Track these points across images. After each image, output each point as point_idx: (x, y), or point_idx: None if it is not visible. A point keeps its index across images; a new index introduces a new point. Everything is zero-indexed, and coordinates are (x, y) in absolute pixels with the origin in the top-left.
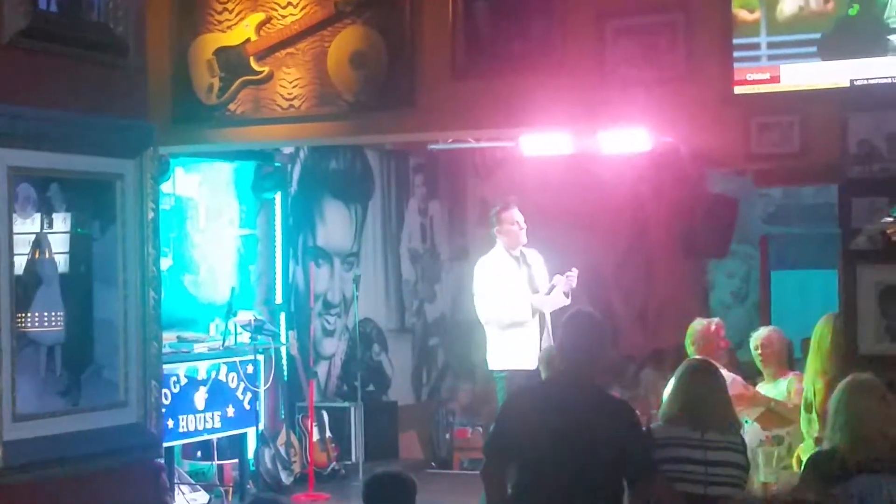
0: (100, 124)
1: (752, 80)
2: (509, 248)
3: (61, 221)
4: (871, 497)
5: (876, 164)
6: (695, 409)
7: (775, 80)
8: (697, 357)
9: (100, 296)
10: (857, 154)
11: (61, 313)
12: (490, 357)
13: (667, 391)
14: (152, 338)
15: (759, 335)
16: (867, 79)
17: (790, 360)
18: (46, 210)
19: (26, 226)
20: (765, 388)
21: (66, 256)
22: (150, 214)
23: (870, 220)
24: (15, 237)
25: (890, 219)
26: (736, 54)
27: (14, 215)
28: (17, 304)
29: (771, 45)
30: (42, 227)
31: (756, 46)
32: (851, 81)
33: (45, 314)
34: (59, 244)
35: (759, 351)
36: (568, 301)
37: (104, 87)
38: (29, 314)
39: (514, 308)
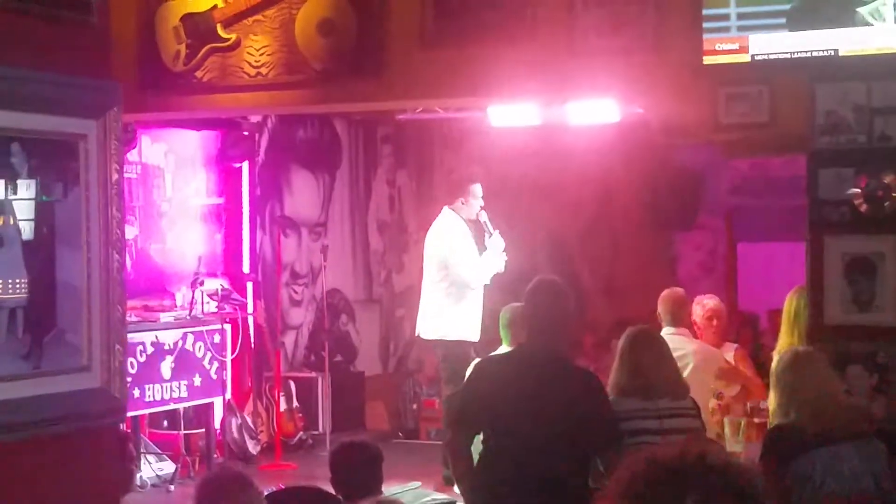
0: (63, 83)
1: (721, 50)
2: (467, 218)
3: (25, 185)
4: (832, 467)
5: (843, 135)
6: (644, 379)
7: (744, 50)
8: (638, 326)
9: (63, 259)
10: (825, 125)
11: (24, 277)
12: (427, 324)
13: (614, 364)
14: (116, 302)
15: (708, 305)
16: (835, 49)
17: (754, 332)
18: (8, 172)
19: None
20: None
21: (29, 220)
22: (115, 176)
23: (837, 191)
24: None
25: (856, 190)
26: (705, 25)
27: None
28: None
29: (740, 17)
30: (6, 192)
31: (725, 17)
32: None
33: (8, 278)
34: (22, 208)
35: (713, 321)
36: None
37: (67, 46)
38: None
39: (486, 270)
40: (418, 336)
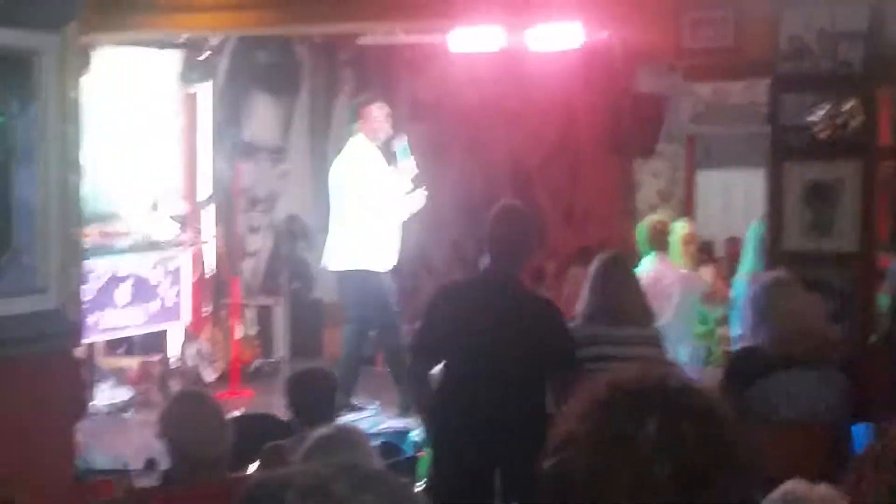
0: None
1: None
2: (373, 139)
3: None
4: (791, 394)
5: (806, 61)
6: (609, 303)
7: None
8: (610, 252)
9: (18, 178)
10: (788, 50)
11: None
12: (335, 255)
13: (584, 289)
14: (73, 222)
15: (684, 229)
16: None
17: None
18: None
19: None
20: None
21: None
22: (73, 94)
23: (798, 117)
24: None
25: (817, 116)
26: None
27: None
28: None
29: None
30: None
31: None
32: None
33: None
34: None
35: (690, 246)
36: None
37: None
38: None
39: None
40: (324, 268)
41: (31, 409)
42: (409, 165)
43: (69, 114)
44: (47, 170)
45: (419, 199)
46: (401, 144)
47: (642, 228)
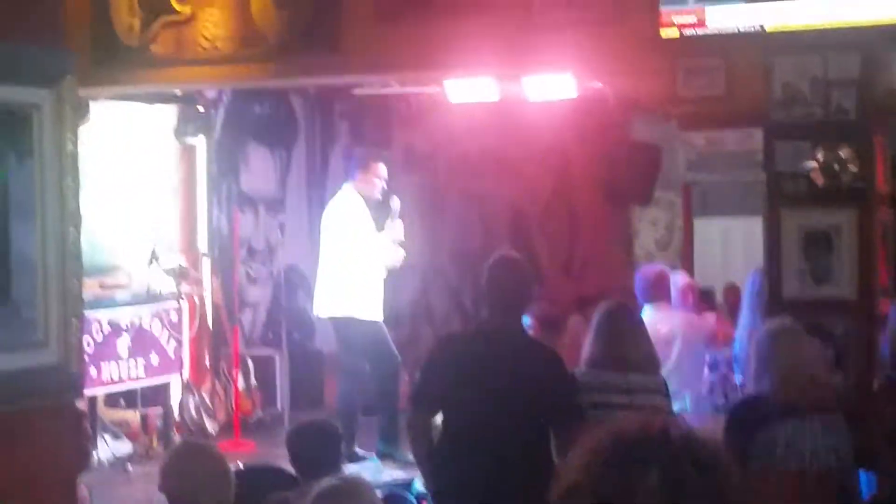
0: (13, 52)
1: (678, 23)
2: (367, 196)
3: None
4: (795, 440)
5: (799, 108)
6: (616, 351)
7: (701, 23)
8: (614, 300)
9: (17, 232)
10: (782, 98)
11: None
12: (324, 303)
13: (588, 337)
14: (72, 275)
15: (683, 281)
16: (790, 23)
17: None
18: None
19: None
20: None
21: None
22: (70, 147)
23: (793, 164)
24: None
25: (813, 163)
26: None
27: None
28: None
29: None
30: None
31: None
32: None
33: None
34: None
35: (689, 296)
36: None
37: (17, 13)
38: None
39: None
40: (317, 316)
41: (33, 463)
42: (397, 227)
43: (67, 167)
44: (46, 223)
45: (398, 257)
46: (395, 206)
47: (640, 278)
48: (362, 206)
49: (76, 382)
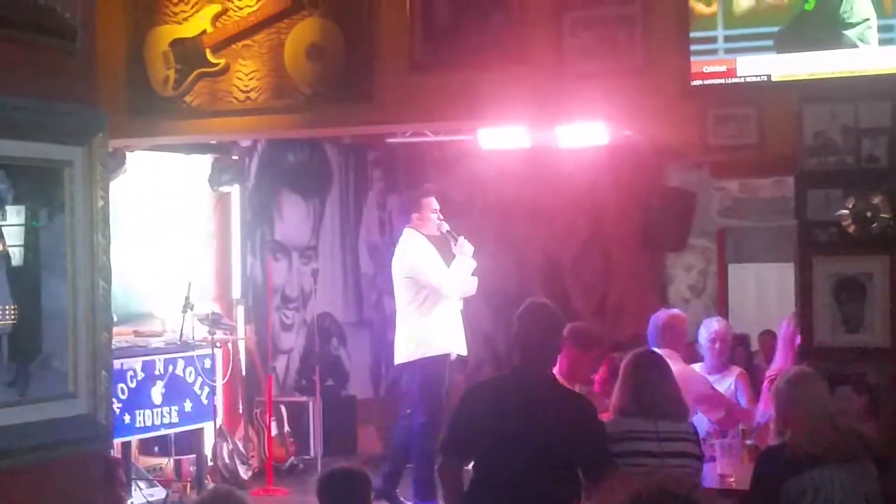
0: (48, 110)
1: (708, 72)
2: (428, 234)
3: (13, 210)
4: (823, 489)
5: (831, 156)
6: (645, 400)
7: (732, 73)
8: (643, 348)
9: (48, 285)
10: (813, 146)
11: (10, 305)
12: (402, 349)
13: (616, 385)
14: (102, 328)
15: (713, 328)
16: (822, 72)
17: (747, 352)
18: None
19: None
20: (712, 380)
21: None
22: (100, 202)
23: (825, 212)
24: None
25: (845, 211)
26: (693, 47)
27: None
28: None
29: (728, 39)
30: None
31: (713, 40)
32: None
33: None
34: (10, 234)
35: (716, 344)
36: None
37: (52, 72)
38: None
39: (458, 277)
40: (397, 365)
41: None
42: (464, 243)
43: (97, 222)
44: (76, 277)
45: (472, 284)
46: (445, 227)
47: (651, 322)
48: (425, 244)
49: (105, 433)
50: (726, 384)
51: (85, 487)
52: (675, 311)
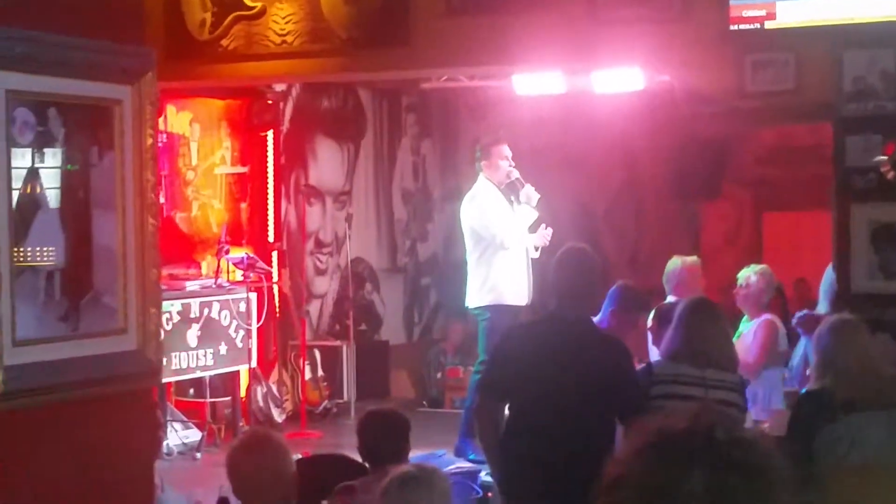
0: (98, 49)
1: (747, 17)
2: (498, 182)
3: (61, 151)
4: (859, 435)
5: (870, 102)
6: (697, 346)
7: (771, 17)
8: (698, 296)
9: (98, 222)
10: (852, 91)
11: (61, 242)
12: (471, 294)
13: (669, 329)
14: (151, 265)
15: (741, 275)
16: (861, 17)
17: (783, 301)
18: (45, 138)
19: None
20: (743, 327)
21: (65, 183)
22: (149, 141)
23: (863, 159)
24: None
25: (883, 157)
26: None
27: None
28: (15, 231)
29: None
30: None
31: None
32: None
33: (45, 243)
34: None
35: (738, 290)
36: (536, 254)
37: (103, 11)
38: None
39: (514, 232)
40: (468, 308)
41: (111, 450)
42: (530, 191)
43: (146, 161)
44: (126, 214)
45: (544, 235)
46: (515, 174)
47: (669, 269)
48: (492, 193)
49: (154, 369)
50: (750, 329)
51: (133, 424)
52: (691, 258)
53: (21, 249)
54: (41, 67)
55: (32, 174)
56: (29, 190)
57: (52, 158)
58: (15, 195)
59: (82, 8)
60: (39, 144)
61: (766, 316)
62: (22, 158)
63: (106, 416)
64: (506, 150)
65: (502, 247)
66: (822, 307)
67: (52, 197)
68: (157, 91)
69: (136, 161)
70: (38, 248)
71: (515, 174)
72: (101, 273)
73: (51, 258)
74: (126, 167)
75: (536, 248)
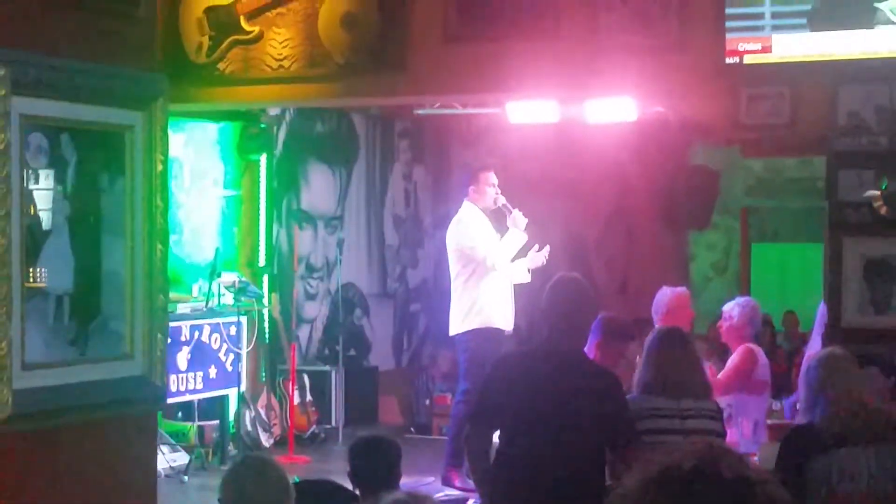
0: (111, 74)
1: (743, 50)
2: (484, 208)
3: (72, 173)
4: (850, 470)
5: (864, 137)
6: (668, 377)
7: (766, 50)
8: (666, 325)
9: (108, 247)
10: (846, 126)
11: (70, 266)
12: (456, 320)
13: (639, 361)
14: (159, 291)
15: (725, 307)
16: (857, 52)
17: (770, 332)
18: (57, 161)
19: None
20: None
21: (76, 208)
22: (159, 167)
23: (856, 193)
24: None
25: (876, 192)
26: (728, 24)
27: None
28: (26, 255)
29: (762, 17)
30: (53, 181)
31: (748, 17)
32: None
33: (55, 267)
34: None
35: (721, 324)
36: (528, 279)
37: (116, 38)
38: (38, 266)
39: (503, 255)
40: (452, 337)
41: (116, 472)
42: (518, 216)
43: (156, 186)
44: (135, 240)
45: (539, 257)
46: (501, 201)
47: (658, 298)
48: (479, 217)
49: (159, 394)
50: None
51: (137, 446)
52: (680, 289)
53: (32, 271)
54: (55, 93)
55: (44, 198)
56: (41, 214)
57: (64, 183)
58: (27, 219)
59: (96, 34)
60: (52, 169)
61: (746, 345)
62: (35, 182)
63: (111, 439)
64: (493, 178)
65: (493, 268)
66: (814, 343)
67: (63, 221)
68: (167, 117)
69: (146, 187)
70: (48, 272)
71: (502, 200)
72: (110, 298)
73: (61, 282)
74: (136, 193)
75: (529, 271)
